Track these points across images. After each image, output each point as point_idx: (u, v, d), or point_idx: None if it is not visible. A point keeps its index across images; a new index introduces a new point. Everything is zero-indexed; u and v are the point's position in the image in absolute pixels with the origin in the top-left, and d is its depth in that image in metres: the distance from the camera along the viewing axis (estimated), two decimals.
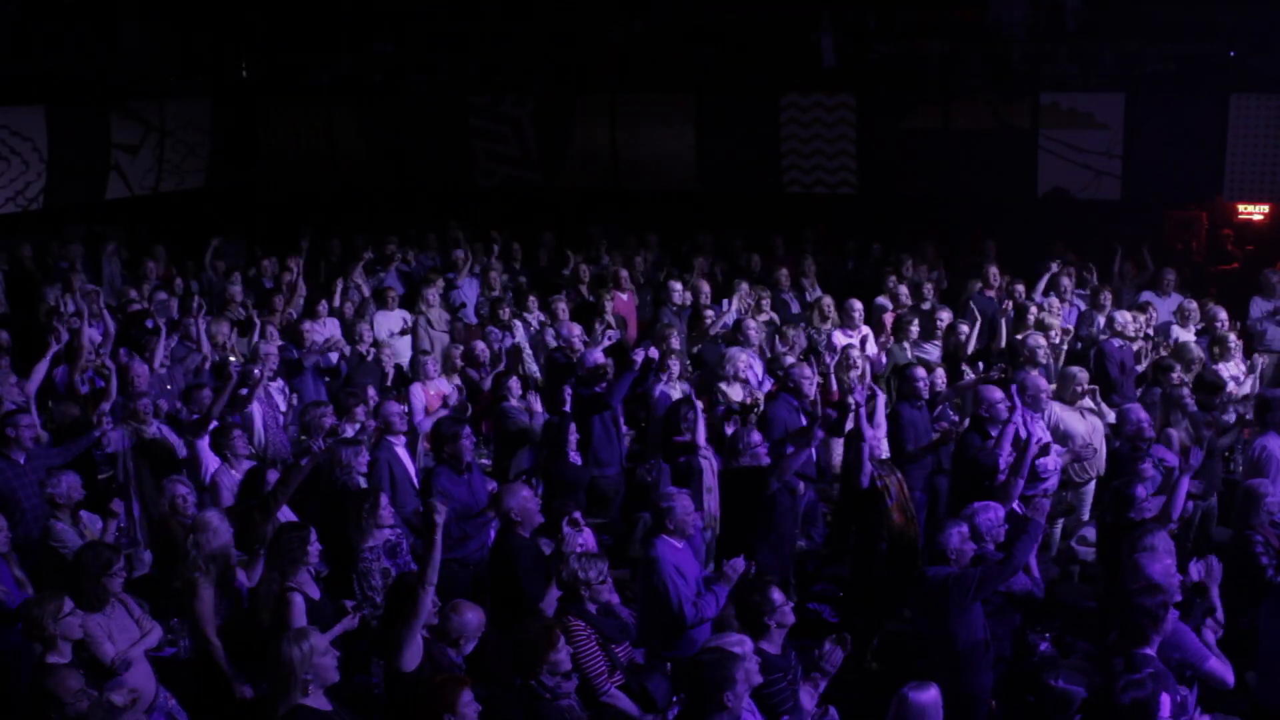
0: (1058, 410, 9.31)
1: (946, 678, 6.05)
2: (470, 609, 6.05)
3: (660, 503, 7.05)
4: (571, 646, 5.88)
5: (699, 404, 8.81)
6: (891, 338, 11.53)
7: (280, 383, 10.26)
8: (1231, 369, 10.38)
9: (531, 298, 12.83)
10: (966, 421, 8.77)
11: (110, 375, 9.39)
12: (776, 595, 5.79)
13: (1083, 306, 12.42)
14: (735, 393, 9.95)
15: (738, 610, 5.91)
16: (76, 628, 5.76)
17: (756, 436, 8.02)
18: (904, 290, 12.82)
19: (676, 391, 9.97)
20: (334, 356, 11.05)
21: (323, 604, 6.52)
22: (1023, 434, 7.81)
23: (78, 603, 6.01)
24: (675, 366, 10.32)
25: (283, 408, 10.04)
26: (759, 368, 10.74)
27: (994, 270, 12.95)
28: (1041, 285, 12.49)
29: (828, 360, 10.07)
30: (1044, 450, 8.38)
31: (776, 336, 11.45)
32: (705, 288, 12.71)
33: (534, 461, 9.40)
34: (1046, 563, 7.38)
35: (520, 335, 12.14)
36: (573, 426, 8.81)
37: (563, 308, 12.03)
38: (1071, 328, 11.59)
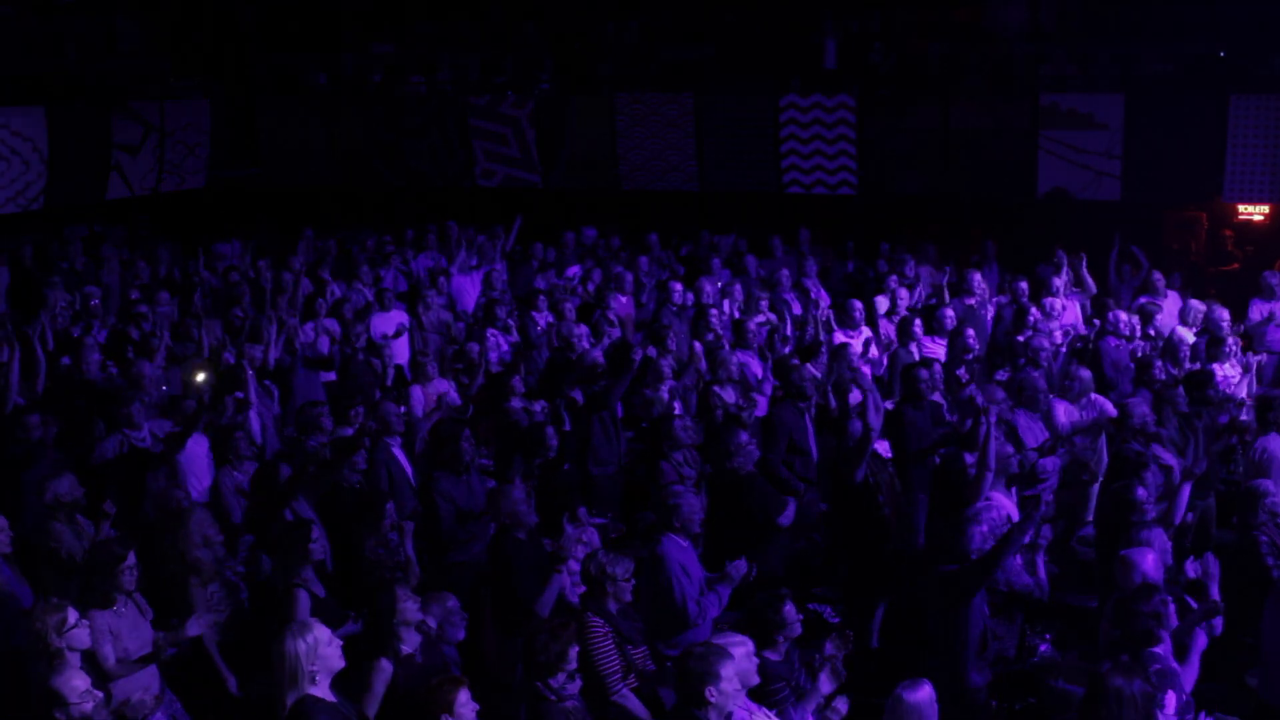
0: (1065, 408, 9.31)
1: (945, 674, 6.05)
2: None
3: (667, 500, 7.00)
4: (588, 644, 5.86)
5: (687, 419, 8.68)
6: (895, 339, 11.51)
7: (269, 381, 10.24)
8: (1227, 370, 10.37)
9: (541, 298, 12.71)
10: (968, 422, 8.76)
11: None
12: (790, 611, 5.81)
13: (1082, 305, 12.42)
14: (729, 395, 9.93)
15: (748, 620, 5.88)
16: (85, 638, 5.61)
17: (745, 435, 7.94)
18: (904, 291, 12.81)
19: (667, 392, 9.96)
20: (324, 348, 11.03)
21: (327, 601, 6.53)
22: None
23: (87, 599, 5.97)
24: (667, 366, 10.28)
25: (274, 406, 10.03)
26: (756, 368, 10.73)
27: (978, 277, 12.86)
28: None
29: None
30: (1043, 450, 8.38)
31: (775, 336, 11.43)
32: (707, 288, 12.70)
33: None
34: (1046, 564, 7.36)
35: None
36: (552, 431, 8.60)
37: (569, 308, 12.01)
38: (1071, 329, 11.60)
